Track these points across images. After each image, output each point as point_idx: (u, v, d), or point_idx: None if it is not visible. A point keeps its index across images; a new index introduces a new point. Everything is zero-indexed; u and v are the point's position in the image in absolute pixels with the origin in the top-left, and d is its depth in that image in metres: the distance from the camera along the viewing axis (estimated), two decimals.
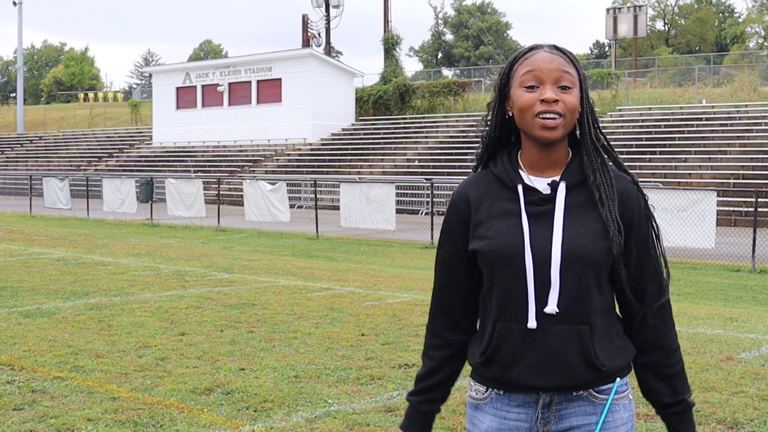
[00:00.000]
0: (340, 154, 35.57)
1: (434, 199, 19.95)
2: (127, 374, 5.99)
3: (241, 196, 23.40)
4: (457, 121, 35.98)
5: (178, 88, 43.31)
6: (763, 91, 33.25)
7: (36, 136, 52.84)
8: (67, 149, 47.84)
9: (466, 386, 2.19)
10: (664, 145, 27.40)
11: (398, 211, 20.61)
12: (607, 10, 45.73)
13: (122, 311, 8.55)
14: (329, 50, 43.56)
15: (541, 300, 1.99)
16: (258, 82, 40.37)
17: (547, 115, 1.98)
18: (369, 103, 40.76)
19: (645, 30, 47.21)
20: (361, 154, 34.74)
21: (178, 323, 7.92)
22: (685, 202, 14.40)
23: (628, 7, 45.41)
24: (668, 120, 29.73)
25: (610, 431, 2.04)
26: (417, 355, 6.59)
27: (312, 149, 37.07)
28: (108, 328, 7.68)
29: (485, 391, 2.10)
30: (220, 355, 6.58)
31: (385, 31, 42.51)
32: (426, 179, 24.36)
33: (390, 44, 42.20)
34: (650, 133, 28.87)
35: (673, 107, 31.49)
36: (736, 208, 21.63)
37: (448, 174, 29.21)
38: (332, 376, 5.98)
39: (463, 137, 32.85)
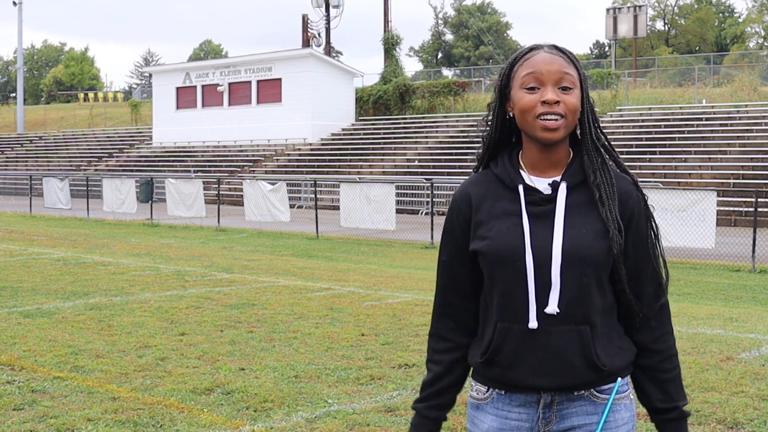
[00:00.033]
0: (340, 154, 35.57)
1: (434, 199, 19.95)
2: (127, 374, 5.99)
3: (241, 196, 23.41)
4: (457, 121, 35.99)
5: (178, 88, 43.31)
6: (763, 91, 33.26)
7: (36, 136, 52.84)
8: (67, 149, 47.85)
9: (466, 386, 2.18)
10: (664, 145, 27.40)
11: (398, 211, 20.61)
12: (607, 10, 45.74)
13: (122, 311, 8.55)
14: (329, 50, 43.56)
15: (542, 300, 1.99)
16: (258, 82, 40.38)
17: (549, 117, 1.98)
18: (369, 103, 40.76)
19: (645, 30, 47.22)
20: (361, 154, 34.74)
21: (178, 323, 7.92)
22: (685, 202, 14.40)
23: (628, 7, 45.42)
24: (668, 120, 29.73)
25: (611, 431, 2.04)
26: (417, 355, 6.59)
27: (312, 149, 37.08)
28: (108, 328, 7.68)
29: (486, 391, 2.10)
30: (220, 355, 6.58)
31: (385, 31, 42.52)
32: (426, 179, 24.36)
33: (390, 44, 42.21)
34: (650, 133, 28.87)
35: (673, 107, 31.49)
36: (736, 208, 21.63)
37: (448, 174, 29.21)
38: (332, 376, 5.98)
39: (463, 137, 32.85)
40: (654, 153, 27.09)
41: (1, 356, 6.51)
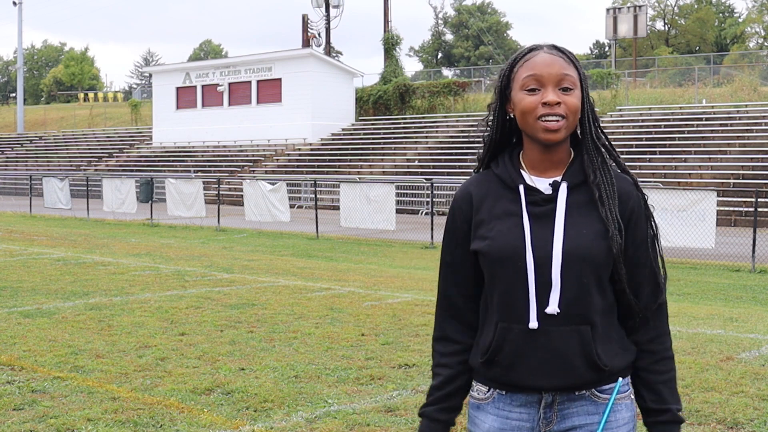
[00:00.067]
0: (340, 154, 35.57)
1: (434, 199, 19.95)
2: (127, 374, 5.99)
3: (241, 196, 23.40)
4: (457, 121, 35.99)
5: (178, 88, 43.31)
6: (763, 91, 33.26)
7: (36, 136, 52.85)
8: (67, 149, 47.85)
9: None
10: (664, 145, 27.40)
11: (398, 211, 20.60)
12: (607, 10, 45.75)
13: (122, 311, 8.55)
14: (329, 50, 43.56)
15: (542, 300, 1.99)
16: (258, 82, 40.38)
17: (550, 118, 1.98)
18: (369, 103, 40.76)
19: (645, 30, 47.22)
20: (361, 154, 34.74)
21: (178, 323, 7.92)
22: (685, 202, 14.40)
23: (628, 7, 45.42)
24: (668, 120, 29.73)
25: (612, 431, 2.04)
26: (417, 355, 6.59)
27: (312, 149, 37.08)
28: (108, 328, 7.68)
29: (487, 391, 2.10)
30: (220, 355, 6.58)
31: (385, 31, 42.52)
32: (426, 179, 24.36)
33: (390, 44, 42.21)
34: (650, 133, 28.87)
35: (673, 107, 31.49)
36: (736, 208, 21.63)
37: (448, 174, 29.21)
38: (332, 376, 5.98)
39: (463, 137, 32.85)
40: (654, 153, 27.09)
41: (1, 356, 6.51)
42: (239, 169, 36.32)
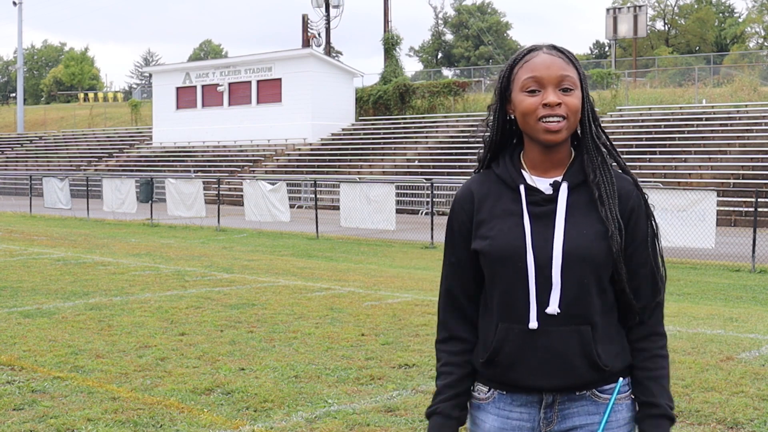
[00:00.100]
0: (340, 154, 35.57)
1: (434, 199, 19.96)
2: (127, 374, 5.99)
3: (241, 196, 23.40)
4: (457, 121, 35.99)
5: (178, 88, 43.31)
6: (763, 91, 33.26)
7: (36, 136, 52.85)
8: (67, 149, 47.85)
9: None
10: (664, 145, 27.40)
11: (398, 211, 20.60)
12: (607, 10, 45.75)
13: (122, 311, 8.55)
14: (329, 50, 43.56)
15: (543, 300, 1.99)
16: (258, 82, 40.38)
17: (551, 119, 1.98)
18: (369, 103, 40.76)
19: (645, 30, 47.22)
20: (361, 154, 34.74)
21: (178, 323, 7.92)
22: (685, 202, 14.40)
23: (628, 7, 45.41)
24: (668, 120, 29.73)
25: (613, 431, 2.04)
26: (417, 355, 6.59)
27: (312, 149, 37.08)
28: (108, 328, 7.68)
29: (487, 392, 2.10)
30: (220, 355, 6.58)
31: (385, 31, 42.52)
32: (426, 179, 24.36)
33: (390, 44, 42.21)
34: (650, 133, 28.87)
35: (673, 107, 31.49)
36: (736, 208, 21.63)
37: (448, 174, 29.21)
38: (332, 376, 5.98)
39: (463, 137, 32.84)
40: (654, 153, 27.09)
41: (1, 356, 6.51)
42: (239, 169, 36.32)
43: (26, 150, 50.02)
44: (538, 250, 1.99)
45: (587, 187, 2.04)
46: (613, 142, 2.13)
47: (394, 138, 35.73)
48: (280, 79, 39.53)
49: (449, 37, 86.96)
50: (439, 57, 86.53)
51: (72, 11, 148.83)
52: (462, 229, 2.11)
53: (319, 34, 43.22)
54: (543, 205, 2.03)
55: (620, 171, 2.11)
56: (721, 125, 28.12)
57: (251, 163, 36.82)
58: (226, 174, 35.03)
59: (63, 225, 22.66)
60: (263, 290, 10.18)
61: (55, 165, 44.24)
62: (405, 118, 38.28)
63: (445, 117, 37.10)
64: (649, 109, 31.74)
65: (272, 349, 6.83)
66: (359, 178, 26.11)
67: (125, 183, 25.73)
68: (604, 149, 2.08)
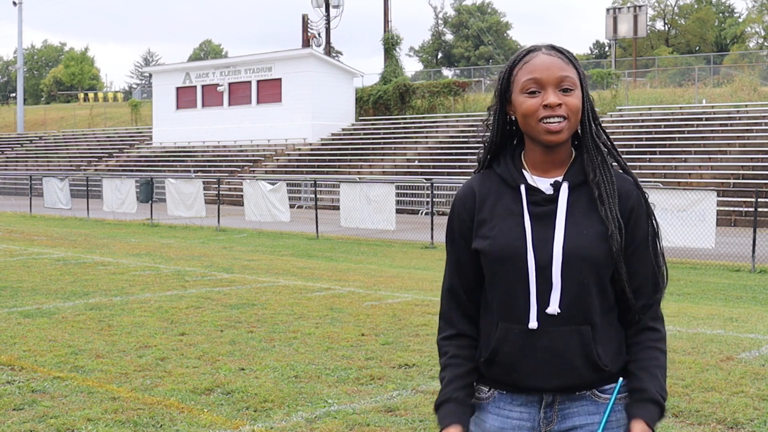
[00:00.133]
0: (340, 154, 35.57)
1: (434, 199, 19.95)
2: (127, 374, 5.99)
3: (241, 196, 23.41)
4: (457, 121, 35.99)
5: (178, 88, 43.31)
6: (763, 91, 33.26)
7: (36, 136, 52.85)
8: (67, 149, 47.85)
9: None
10: (664, 145, 27.40)
11: (398, 211, 20.60)
12: (607, 10, 45.75)
13: (122, 311, 8.55)
14: (329, 50, 43.56)
15: (543, 300, 1.99)
16: (258, 82, 40.38)
17: (552, 120, 1.98)
18: (369, 103, 40.77)
19: (645, 30, 47.22)
20: (361, 154, 34.74)
21: (178, 323, 7.92)
22: (685, 202, 14.40)
23: (628, 7, 45.42)
24: (668, 120, 29.73)
25: (613, 431, 2.04)
26: (417, 355, 6.59)
27: (312, 149, 37.08)
28: (108, 328, 7.68)
29: (488, 392, 2.10)
30: (220, 355, 6.58)
31: (385, 31, 42.52)
32: (426, 179, 24.36)
33: (390, 44, 42.21)
34: (650, 133, 28.87)
35: (673, 107, 31.49)
36: (736, 208, 21.63)
37: (448, 174, 29.21)
38: (332, 376, 5.98)
39: (463, 137, 32.85)
40: (654, 153, 27.10)
41: (1, 356, 6.51)
42: (239, 169, 36.32)
43: (26, 150, 50.03)
44: (539, 250, 1.99)
45: (588, 186, 2.04)
46: (614, 142, 2.13)
47: (394, 138, 35.74)
48: (280, 79, 39.54)
49: (449, 37, 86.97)
50: (439, 57, 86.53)
51: (72, 11, 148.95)
52: (463, 228, 2.11)
53: (319, 34, 43.23)
54: (544, 205, 2.03)
55: (621, 171, 2.11)
56: (721, 125, 28.12)
57: (251, 163, 36.82)
58: (226, 174, 35.04)
59: (63, 225, 22.66)
60: (263, 290, 10.18)
61: (55, 165, 44.24)
62: (405, 118, 38.28)
63: (445, 117, 37.10)
64: (649, 109, 31.74)
65: (272, 349, 6.83)
66: (359, 178, 26.11)
67: (125, 183, 25.73)
68: (604, 149, 2.08)
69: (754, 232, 13.93)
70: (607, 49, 73.92)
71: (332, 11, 43.39)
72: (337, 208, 20.70)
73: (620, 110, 32.38)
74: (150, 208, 23.32)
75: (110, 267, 12.46)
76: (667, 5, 76.46)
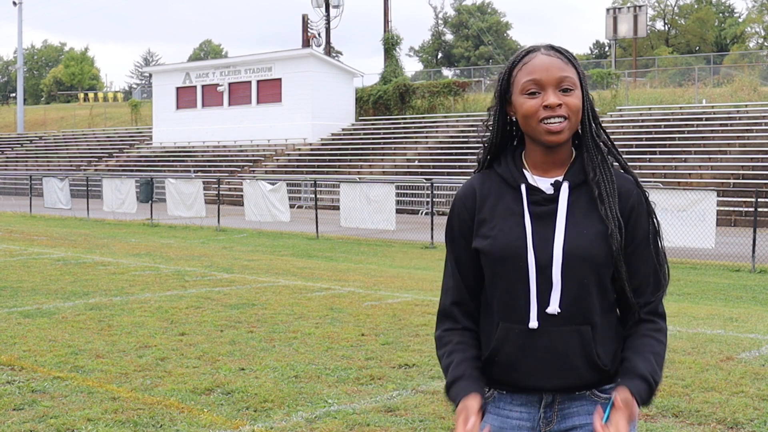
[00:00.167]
0: (340, 154, 35.57)
1: (434, 199, 19.95)
2: (127, 374, 5.99)
3: (241, 196, 23.41)
4: (457, 121, 35.99)
5: (178, 88, 43.31)
6: (763, 91, 33.26)
7: (36, 136, 52.85)
8: (67, 149, 47.85)
9: None
10: (664, 145, 27.40)
11: (398, 211, 20.60)
12: (607, 10, 45.75)
13: (122, 311, 8.55)
14: (329, 50, 43.56)
15: (543, 300, 1.99)
16: (258, 82, 40.38)
17: (552, 120, 1.98)
18: (369, 103, 40.77)
19: (645, 30, 47.22)
20: (361, 154, 34.74)
21: (178, 323, 7.92)
22: (685, 202, 14.40)
23: (628, 7, 45.42)
24: (668, 120, 29.73)
25: None
26: (417, 355, 6.59)
27: (312, 149, 37.08)
28: (108, 328, 7.68)
29: (487, 392, 2.09)
30: (220, 355, 6.58)
31: (385, 31, 42.52)
32: (426, 179, 24.36)
33: (390, 44, 42.21)
34: (650, 133, 28.87)
35: (673, 107, 31.49)
36: (736, 208, 21.63)
37: (448, 174, 29.21)
38: (332, 376, 5.98)
39: (463, 137, 32.86)
40: (654, 153, 27.10)
41: (1, 356, 6.51)
42: (239, 169, 36.32)
43: (26, 150, 50.03)
44: (539, 250, 1.99)
45: (588, 186, 2.04)
46: (614, 142, 2.13)
47: (394, 138, 35.73)
48: (280, 79, 39.54)
49: (449, 37, 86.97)
50: (439, 57, 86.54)
51: (72, 11, 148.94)
52: (463, 227, 2.11)
53: (319, 34, 43.23)
54: (544, 205, 2.03)
55: (621, 170, 2.11)
56: (721, 125, 28.12)
57: (251, 163, 36.82)
58: (226, 174, 35.03)
59: (63, 225, 22.66)
60: (263, 290, 10.18)
61: (55, 165, 44.24)
62: (405, 118, 38.28)
63: (445, 117, 37.10)
64: (649, 109, 31.74)
65: (272, 349, 6.83)
66: (359, 178, 26.11)
67: (125, 183, 25.73)
68: (604, 148, 2.08)
69: (754, 232, 13.93)
70: (607, 49, 73.94)
71: (332, 11, 43.40)
72: (337, 208, 20.70)
73: (620, 110, 32.38)
74: (150, 208, 23.32)
75: (110, 267, 12.46)
76: (667, 5, 76.48)
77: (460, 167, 29.64)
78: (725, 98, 32.36)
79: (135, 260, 13.46)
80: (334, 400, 5.40)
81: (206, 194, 24.41)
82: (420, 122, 37.11)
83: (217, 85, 41.55)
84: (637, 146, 27.75)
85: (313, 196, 22.09)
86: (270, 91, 39.82)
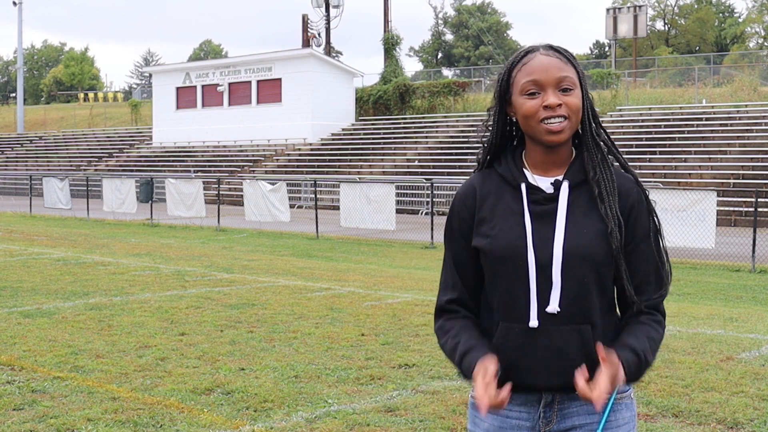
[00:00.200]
0: (340, 154, 35.57)
1: (434, 199, 19.95)
2: (127, 374, 5.99)
3: (241, 196, 23.41)
4: (457, 121, 35.99)
5: (178, 88, 43.31)
6: (763, 91, 33.26)
7: (36, 136, 52.85)
8: (67, 149, 47.85)
9: (466, 386, 2.17)
10: (664, 145, 27.40)
11: (398, 211, 20.60)
12: (607, 10, 45.75)
13: (122, 311, 8.55)
14: (329, 50, 43.56)
15: (543, 299, 1.99)
16: (258, 82, 40.38)
17: (552, 120, 1.98)
18: (369, 103, 40.77)
19: (645, 30, 47.22)
20: (361, 154, 34.74)
21: (178, 323, 7.92)
22: (685, 202, 14.40)
23: (628, 7, 45.42)
24: (668, 120, 29.73)
25: (612, 430, 2.04)
26: (417, 355, 6.59)
27: (312, 149, 37.08)
28: (108, 328, 7.68)
29: None
30: (220, 355, 6.58)
31: (385, 31, 42.52)
32: (426, 179, 24.36)
33: (390, 44, 42.21)
34: (650, 133, 28.87)
35: (673, 107, 31.49)
36: (736, 208, 21.63)
37: (448, 174, 29.21)
38: (332, 376, 5.98)
39: (463, 137, 32.86)
40: (654, 153, 27.10)
41: (1, 356, 6.51)
42: (239, 169, 36.32)
43: (26, 150, 50.03)
44: (539, 249, 1.99)
45: (588, 185, 2.04)
46: (614, 141, 2.13)
47: (394, 138, 35.74)
48: (280, 79, 39.54)
49: (449, 37, 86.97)
50: (439, 57, 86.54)
51: (72, 11, 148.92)
52: (463, 226, 2.11)
53: (319, 34, 43.23)
54: (544, 204, 2.03)
55: (621, 169, 2.11)
56: (721, 125, 28.12)
57: (251, 163, 36.82)
58: (226, 174, 35.04)
59: (63, 225, 22.66)
60: (263, 290, 10.18)
61: (55, 165, 44.24)
62: (405, 118, 38.28)
63: (445, 117, 37.10)
64: (649, 109, 31.74)
65: (272, 349, 6.83)
66: (359, 178, 26.11)
67: (125, 183, 25.73)
68: (604, 147, 2.08)
69: (754, 232, 13.93)
70: (607, 49, 73.94)
71: (332, 11, 43.40)
72: (337, 208, 20.70)
73: (620, 110, 32.38)
74: (150, 208, 23.32)
75: (110, 267, 12.46)
76: (667, 5, 76.48)
77: (460, 167, 29.64)
78: (725, 98, 32.37)
79: (135, 260, 13.46)
80: (334, 400, 5.40)
81: (206, 194, 24.41)
82: (420, 122, 37.11)
83: (217, 85, 41.55)
84: (637, 146, 27.75)
85: (313, 196, 22.09)
86: (270, 91, 39.82)
